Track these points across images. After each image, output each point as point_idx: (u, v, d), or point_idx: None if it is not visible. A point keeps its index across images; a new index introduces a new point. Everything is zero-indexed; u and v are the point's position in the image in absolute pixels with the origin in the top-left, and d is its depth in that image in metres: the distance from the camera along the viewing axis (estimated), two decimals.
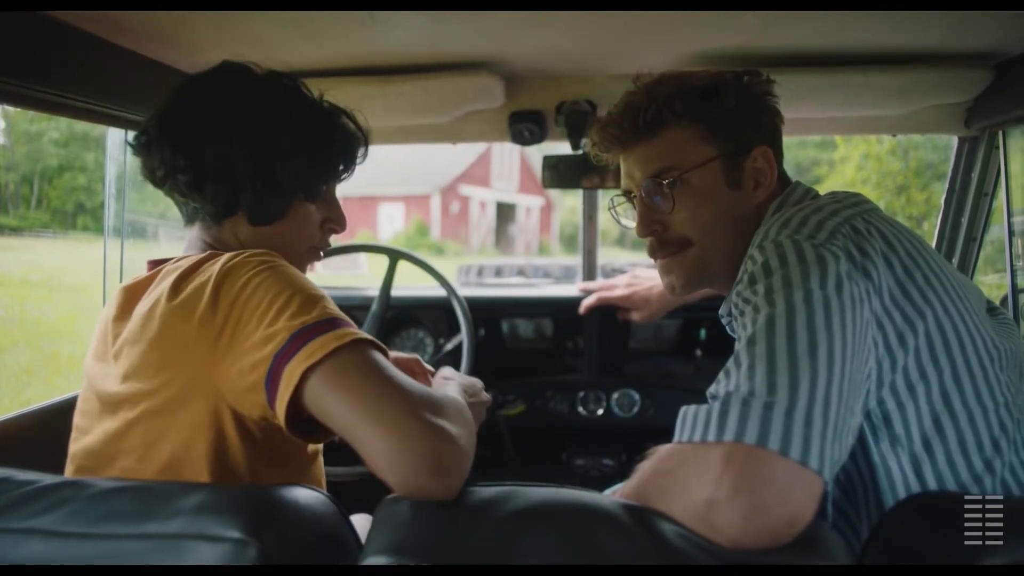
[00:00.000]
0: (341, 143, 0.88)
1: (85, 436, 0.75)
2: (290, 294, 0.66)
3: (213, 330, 0.66)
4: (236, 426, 0.70)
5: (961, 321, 0.73)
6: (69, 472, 0.77)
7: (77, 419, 0.79)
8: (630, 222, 1.00)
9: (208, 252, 0.77)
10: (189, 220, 0.86)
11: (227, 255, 0.71)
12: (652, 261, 0.98)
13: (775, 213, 0.85)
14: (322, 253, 0.92)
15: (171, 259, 0.80)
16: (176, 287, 0.70)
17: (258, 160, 0.80)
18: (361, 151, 0.91)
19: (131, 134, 1.38)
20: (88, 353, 0.82)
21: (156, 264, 0.80)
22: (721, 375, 0.65)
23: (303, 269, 0.90)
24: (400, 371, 0.65)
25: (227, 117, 0.80)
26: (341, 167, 0.89)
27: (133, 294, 0.77)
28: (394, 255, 1.55)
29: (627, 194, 0.99)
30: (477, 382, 0.97)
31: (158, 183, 0.82)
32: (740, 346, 0.65)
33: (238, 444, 0.70)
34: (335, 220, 0.91)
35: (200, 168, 0.79)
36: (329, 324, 0.64)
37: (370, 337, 0.65)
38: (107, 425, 0.72)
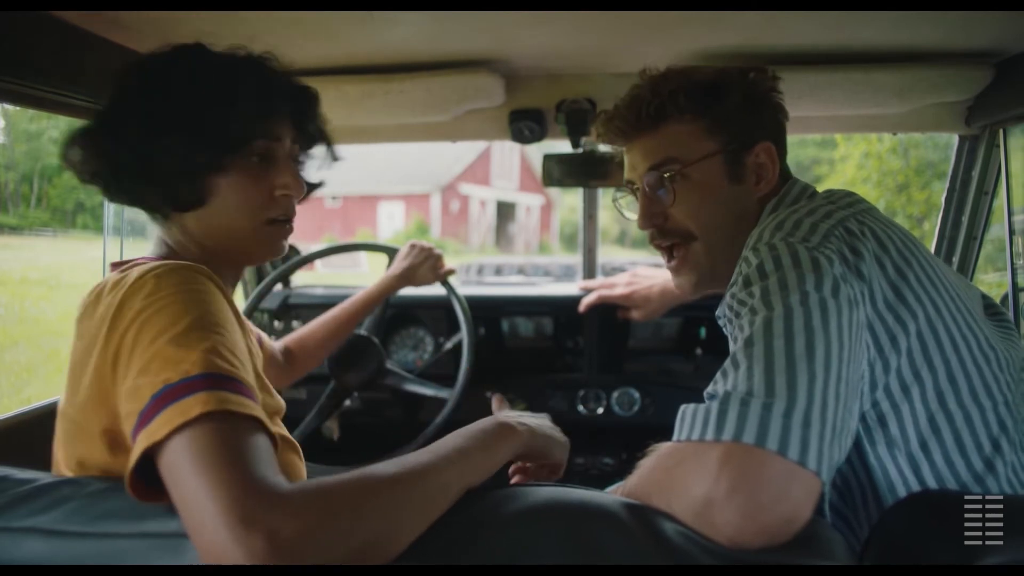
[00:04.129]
0: (236, 102, 0.76)
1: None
2: (167, 339, 0.58)
3: (108, 358, 0.63)
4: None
5: (953, 321, 0.72)
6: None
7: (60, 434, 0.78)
8: (633, 215, 1.00)
9: (134, 266, 0.72)
10: (150, 216, 0.83)
11: (133, 277, 0.65)
12: (652, 260, 0.98)
13: (770, 213, 0.85)
14: (289, 225, 0.84)
15: (133, 260, 0.78)
16: (96, 302, 0.68)
17: (130, 148, 0.74)
18: (277, 100, 0.80)
19: None
20: None
21: (118, 266, 0.77)
22: (718, 376, 0.66)
23: (274, 248, 0.83)
24: (256, 450, 0.53)
25: (117, 109, 0.76)
26: (254, 127, 0.78)
27: (97, 296, 0.73)
28: (394, 254, 1.55)
29: (630, 185, 1.00)
30: (549, 431, 0.82)
31: (98, 188, 0.79)
32: (737, 347, 0.66)
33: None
34: (284, 185, 0.81)
35: (111, 167, 0.76)
36: (186, 388, 0.54)
37: (228, 406, 0.54)
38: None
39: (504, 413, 0.76)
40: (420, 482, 0.56)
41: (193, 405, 0.53)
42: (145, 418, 0.54)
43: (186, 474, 0.50)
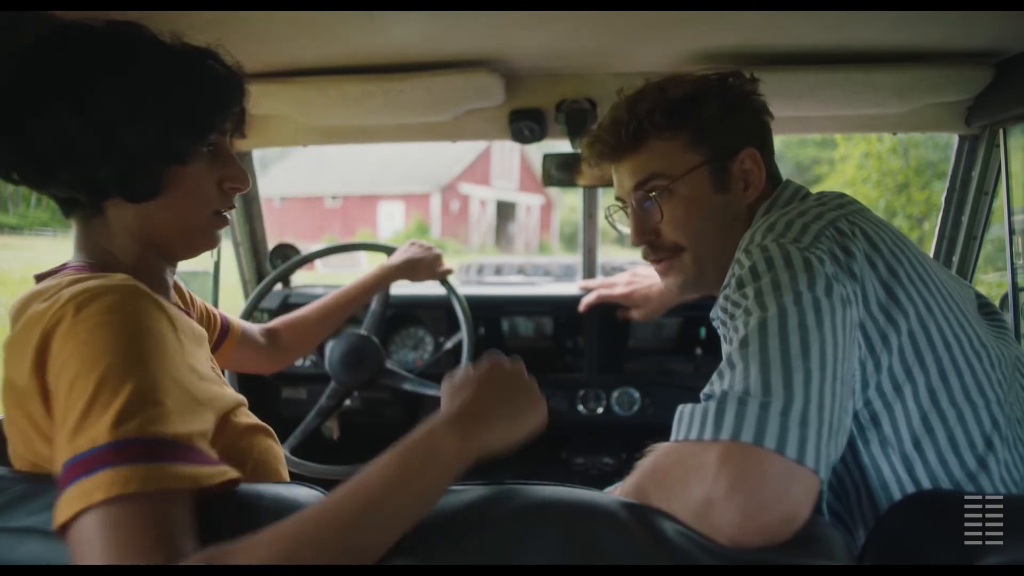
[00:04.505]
0: (203, 92, 0.74)
1: None
2: (80, 394, 0.56)
3: (37, 395, 0.60)
4: None
5: (945, 319, 0.73)
6: None
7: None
8: (626, 229, 1.01)
9: (52, 281, 0.70)
10: (66, 214, 0.77)
11: (58, 304, 0.61)
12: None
13: (763, 216, 0.86)
14: (228, 216, 0.83)
15: (59, 269, 0.75)
16: (16, 318, 0.65)
17: (98, 131, 0.68)
18: (234, 94, 0.78)
19: None
20: None
21: (42, 278, 0.74)
22: (714, 376, 0.66)
23: (212, 240, 0.82)
24: (156, 528, 0.52)
25: (46, 87, 0.68)
26: (212, 119, 0.76)
27: (24, 307, 0.68)
28: (392, 253, 1.55)
29: (620, 203, 1.01)
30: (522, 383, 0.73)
31: (7, 181, 0.71)
32: (732, 348, 0.66)
33: None
34: (233, 177, 0.79)
35: (38, 155, 0.69)
36: (92, 461, 0.53)
37: (130, 487, 0.52)
38: None
39: (452, 404, 0.68)
40: (343, 541, 0.53)
41: (96, 487, 0.52)
42: (59, 488, 0.54)
43: (86, 557, 0.51)
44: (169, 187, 0.74)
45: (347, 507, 0.54)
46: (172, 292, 0.86)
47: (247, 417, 0.78)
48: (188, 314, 0.92)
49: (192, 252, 0.82)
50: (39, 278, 0.74)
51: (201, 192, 0.77)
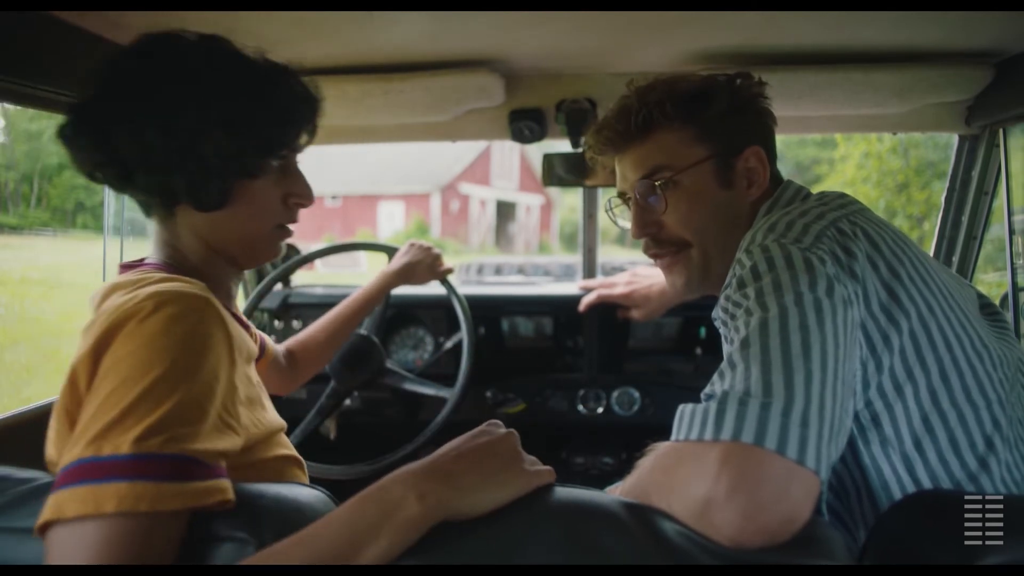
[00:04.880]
0: (277, 110, 0.77)
1: None
2: (123, 395, 0.57)
3: (89, 374, 0.61)
4: None
5: (946, 319, 0.73)
6: None
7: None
8: (627, 223, 1.01)
9: (134, 274, 0.73)
10: (145, 214, 0.80)
11: (137, 299, 0.63)
12: (652, 259, 0.99)
13: (764, 216, 0.85)
14: (291, 228, 0.85)
15: (140, 263, 0.78)
16: (97, 304, 0.68)
17: (177, 141, 0.71)
18: (308, 114, 0.80)
19: None
20: None
21: (127, 268, 0.78)
22: (715, 376, 0.66)
23: (274, 251, 0.84)
24: (146, 550, 0.53)
25: (134, 97, 0.71)
26: (286, 136, 0.78)
27: (106, 296, 0.72)
28: (393, 253, 1.55)
29: (622, 196, 1.00)
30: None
31: (89, 178, 0.75)
32: (733, 348, 0.66)
33: None
34: (299, 194, 0.82)
35: (120, 159, 0.72)
36: (110, 469, 0.54)
37: (140, 506, 0.53)
38: None
39: (421, 460, 0.60)
40: None
41: (108, 498, 0.53)
42: (63, 479, 0.55)
43: (67, 557, 0.52)
44: (236, 199, 0.77)
45: (292, 557, 0.52)
46: (235, 301, 0.88)
47: (281, 447, 0.80)
48: (246, 327, 0.94)
49: (254, 261, 0.85)
50: (123, 267, 0.78)
51: (266, 206, 0.80)
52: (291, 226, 0.85)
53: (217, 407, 0.61)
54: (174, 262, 0.79)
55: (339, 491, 0.65)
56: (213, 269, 0.80)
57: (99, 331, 0.61)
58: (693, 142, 0.91)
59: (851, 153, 8.53)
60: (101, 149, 0.72)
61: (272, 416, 0.80)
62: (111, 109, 0.71)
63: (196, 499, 0.55)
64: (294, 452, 0.82)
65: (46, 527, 0.54)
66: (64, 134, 0.73)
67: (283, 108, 0.77)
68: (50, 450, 0.68)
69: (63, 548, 0.52)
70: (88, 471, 0.54)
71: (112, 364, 0.59)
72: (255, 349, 0.77)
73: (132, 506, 0.53)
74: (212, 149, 0.72)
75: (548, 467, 0.63)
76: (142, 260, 0.79)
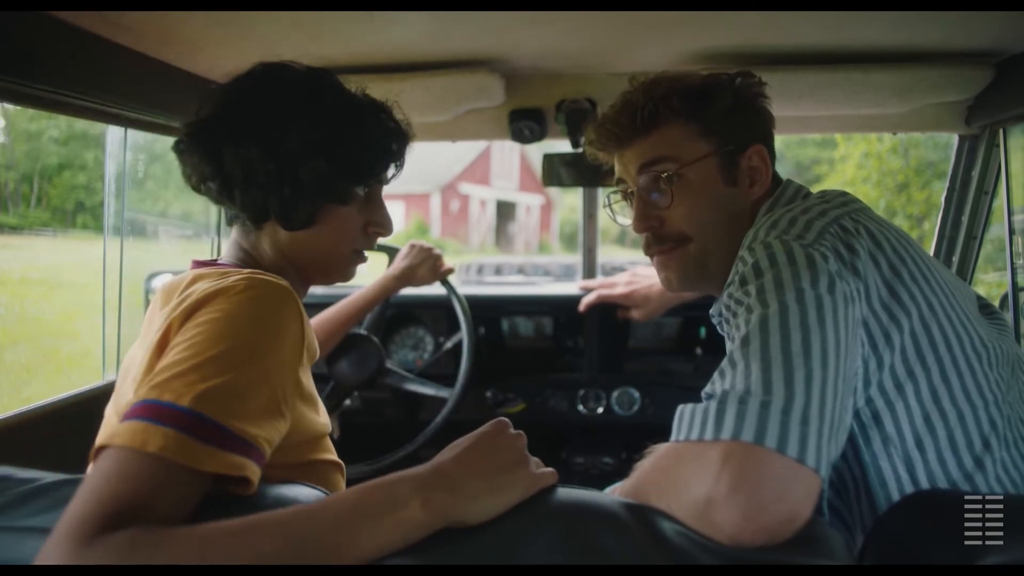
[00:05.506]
0: (371, 142, 0.83)
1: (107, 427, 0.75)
2: (196, 354, 0.61)
3: (159, 337, 0.67)
4: None
5: (947, 318, 0.73)
6: None
7: (108, 408, 0.79)
8: (626, 219, 1.00)
9: (217, 269, 0.77)
10: (229, 222, 0.87)
11: (234, 279, 0.68)
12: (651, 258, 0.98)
13: (766, 214, 0.85)
14: (366, 255, 0.90)
15: (213, 260, 0.82)
16: (168, 298, 0.72)
17: (278, 164, 0.77)
18: (399, 149, 0.86)
19: (131, 132, 1.39)
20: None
21: (200, 265, 0.82)
22: (716, 375, 0.65)
23: (347, 274, 0.89)
24: (162, 493, 0.54)
25: (244, 120, 0.78)
26: (377, 167, 0.85)
27: (169, 293, 0.77)
28: (394, 253, 1.55)
29: (623, 191, 1.00)
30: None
31: (194, 189, 0.82)
32: (734, 346, 0.66)
33: None
34: (379, 223, 0.88)
35: (225, 174, 0.78)
36: (165, 414, 0.57)
37: (180, 458, 0.55)
38: None
39: (429, 464, 0.60)
40: (279, 556, 0.52)
41: (155, 438, 0.56)
42: (127, 414, 0.58)
43: (97, 476, 0.55)
44: (322, 221, 0.82)
45: (292, 524, 0.54)
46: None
47: (327, 451, 0.81)
48: None
49: (327, 281, 0.90)
50: (197, 263, 0.82)
51: (348, 231, 0.85)
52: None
53: (273, 392, 0.64)
54: (250, 266, 0.82)
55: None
56: (285, 279, 0.81)
57: (193, 300, 0.66)
58: (698, 137, 0.91)
59: (851, 153, 8.53)
60: (210, 165, 0.78)
61: (324, 419, 0.82)
62: (223, 130, 0.78)
63: (227, 468, 0.57)
64: (336, 457, 0.83)
65: (99, 451, 0.57)
66: (179, 148, 0.81)
67: (376, 141, 0.83)
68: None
69: (99, 467, 0.55)
70: (147, 410, 0.58)
71: (194, 326, 0.64)
72: (317, 350, 0.80)
73: (173, 455, 0.55)
74: (308, 174, 0.78)
75: (551, 469, 0.64)
76: (215, 260, 0.84)
